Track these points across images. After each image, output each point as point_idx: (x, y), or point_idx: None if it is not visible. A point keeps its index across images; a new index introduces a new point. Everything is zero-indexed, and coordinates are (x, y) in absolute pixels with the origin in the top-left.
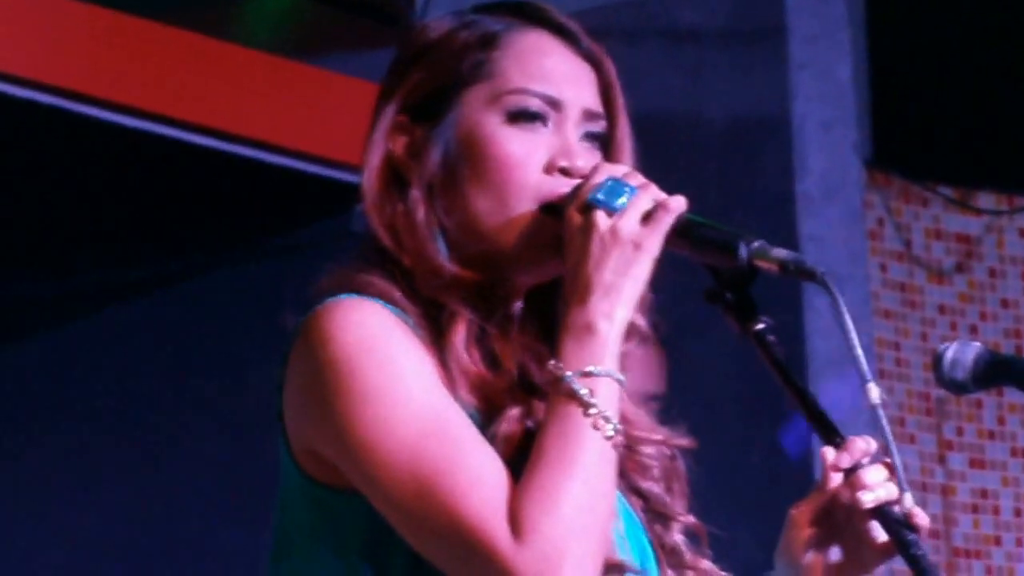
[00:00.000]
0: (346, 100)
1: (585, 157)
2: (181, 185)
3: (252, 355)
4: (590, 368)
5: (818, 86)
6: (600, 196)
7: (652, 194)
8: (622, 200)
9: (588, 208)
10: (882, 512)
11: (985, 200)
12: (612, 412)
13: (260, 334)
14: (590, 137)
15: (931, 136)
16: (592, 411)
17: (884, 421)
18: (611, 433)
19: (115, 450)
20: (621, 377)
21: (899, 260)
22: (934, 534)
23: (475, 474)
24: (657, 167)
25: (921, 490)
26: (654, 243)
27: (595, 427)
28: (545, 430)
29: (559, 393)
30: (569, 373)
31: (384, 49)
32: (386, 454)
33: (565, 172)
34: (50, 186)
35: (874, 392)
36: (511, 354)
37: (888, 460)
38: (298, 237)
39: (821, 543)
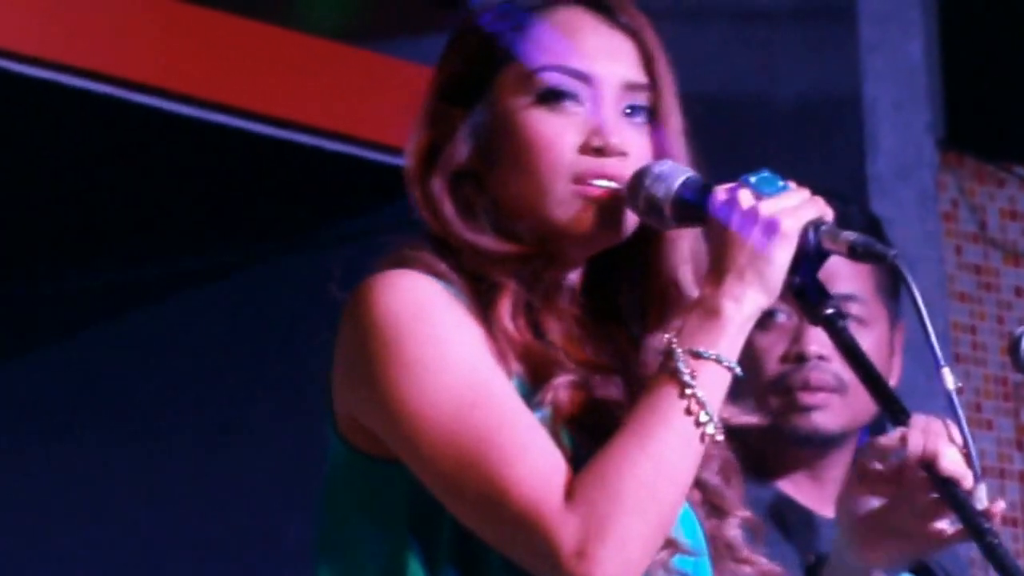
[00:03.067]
0: (405, 85)
1: (622, 133)
2: (239, 173)
3: (311, 344)
4: (700, 349)
5: (889, 66)
6: (751, 179)
7: (803, 195)
8: (772, 189)
9: (738, 187)
10: (951, 491)
11: None
12: (711, 399)
13: (318, 322)
14: (635, 110)
15: (1005, 116)
16: (688, 392)
17: (959, 408)
18: (703, 419)
19: (176, 437)
20: (734, 365)
21: (974, 242)
22: (1012, 522)
23: (520, 443)
24: (727, 148)
25: (999, 477)
26: (794, 228)
27: (687, 411)
28: (638, 402)
29: (663, 368)
30: (679, 349)
31: (443, 33)
32: (429, 422)
33: (599, 151)
34: (109, 176)
35: (949, 377)
36: (557, 325)
37: (964, 449)
38: (356, 224)
39: (882, 508)
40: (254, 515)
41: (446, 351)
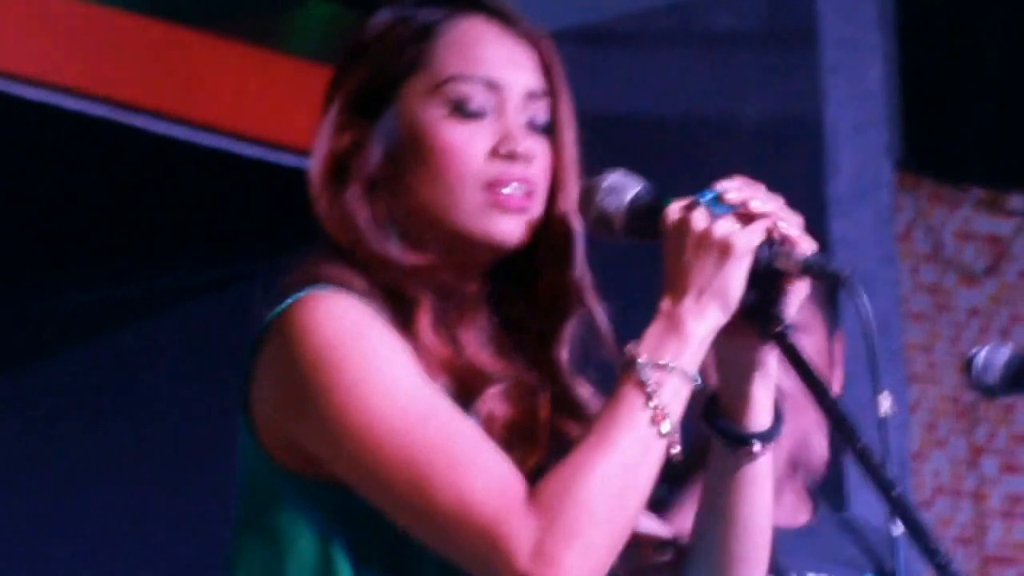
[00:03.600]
0: None
1: (527, 141)
2: (230, 194)
3: None
4: (665, 361)
5: (850, 89)
6: (705, 197)
7: (762, 202)
8: (724, 208)
9: (690, 207)
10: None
11: (1016, 201)
12: (673, 410)
13: None
14: (532, 126)
15: (962, 138)
16: (652, 403)
17: (889, 434)
18: (666, 430)
19: (160, 457)
20: (696, 378)
21: (930, 262)
22: (966, 541)
23: (472, 453)
24: (689, 169)
25: (953, 496)
26: (746, 249)
27: (652, 420)
28: (601, 411)
29: (627, 377)
30: (642, 360)
31: None
32: (378, 443)
33: (509, 157)
34: (101, 196)
35: (884, 403)
36: (474, 337)
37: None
38: None
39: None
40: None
41: (385, 371)
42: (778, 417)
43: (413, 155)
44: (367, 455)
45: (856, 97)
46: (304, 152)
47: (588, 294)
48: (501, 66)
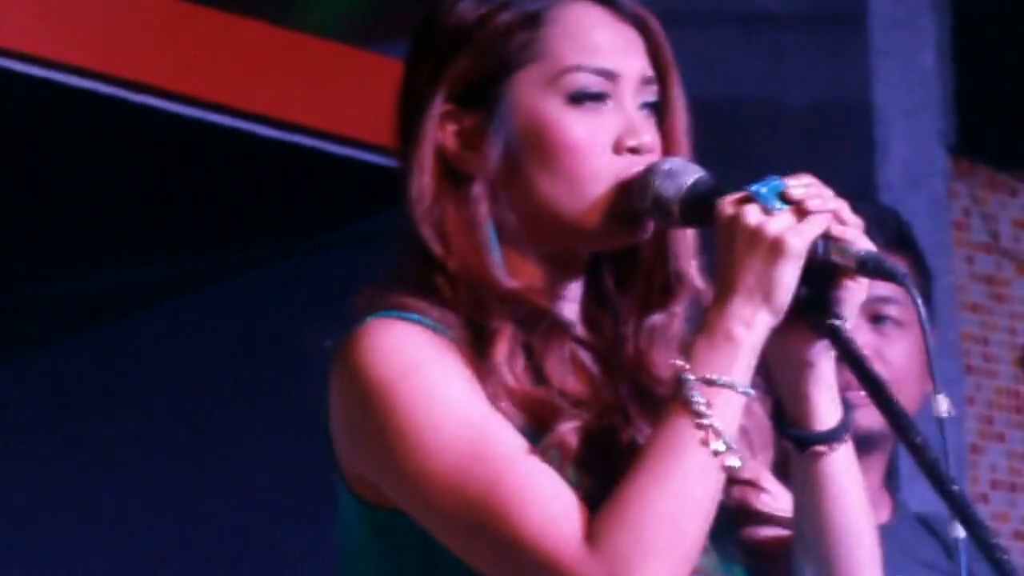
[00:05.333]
0: None
1: (649, 132)
2: (243, 175)
3: (310, 349)
4: (713, 376)
5: (901, 72)
6: (761, 190)
7: (821, 194)
8: (780, 202)
9: (744, 201)
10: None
11: None
12: (727, 426)
13: (318, 326)
14: (646, 106)
15: (1018, 123)
16: (703, 422)
17: (946, 434)
18: (721, 449)
19: (171, 446)
20: (749, 390)
21: (986, 252)
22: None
23: (528, 488)
24: (736, 154)
25: (1010, 491)
26: (800, 247)
27: (703, 442)
28: (652, 435)
29: (675, 398)
30: (691, 377)
31: None
32: (433, 481)
33: (634, 151)
34: (112, 179)
35: (943, 404)
36: (557, 366)
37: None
38: (359, 228)
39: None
40: (253, 522)
41: (439, 407)
42: (847, 414)
43: (534, 150)
44: (423, 495)
45: (907, 81)
46: (320, 132)
47: (698, 282)
48: (615, 53)
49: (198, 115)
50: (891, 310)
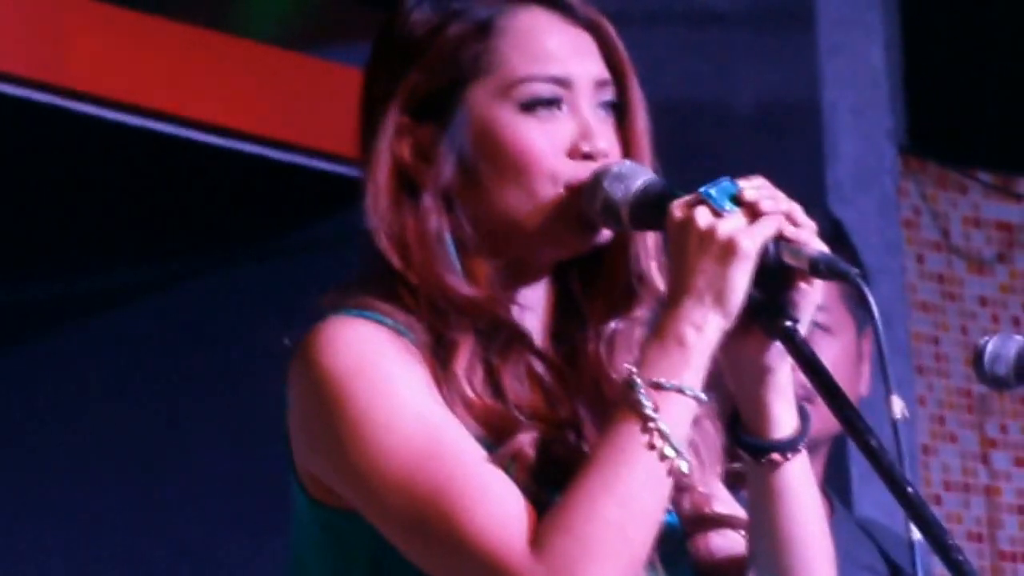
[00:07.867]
0: (341, 89)
1: (605, 136)
2: (182, 183)
3: (254, 358)
4: (661, 380)
5: (849, 70)
6: (712, 192)
7: (770, 196)
8: (730, 204)
9: (695, 203)
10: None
11: None
12: (675, 431)
13: (262, 336)
14: (604, 107)
15: (968, 120)
16: (651, 426)
17: (902, 436)
18: (670, 454)
19: (116, 457)
20: (699, 394)
21: (937, 250)
22: (977, 537)
23: (478, 490)
24: (684, 154)
25: (963, 491)
26: (752, 249)
27: (650, 446)
28: (600, 439)
29: (624, 401)
30: (639, 381)
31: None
32: (384, 479)
33: (588, 156)
34: (50, 187)
35: (896, 405)
36: (515, 381)
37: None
38: (301, 235)
39: None
40: (194, 534)
41: (393, 407)
42: (804, 422)
43: (489, 160)
44: (373, 493)
45: (856, 79)
46: (258, 138)
47: (660, 284)
48: (567, 59)
49: (139, 123)
50: (819, 316)
